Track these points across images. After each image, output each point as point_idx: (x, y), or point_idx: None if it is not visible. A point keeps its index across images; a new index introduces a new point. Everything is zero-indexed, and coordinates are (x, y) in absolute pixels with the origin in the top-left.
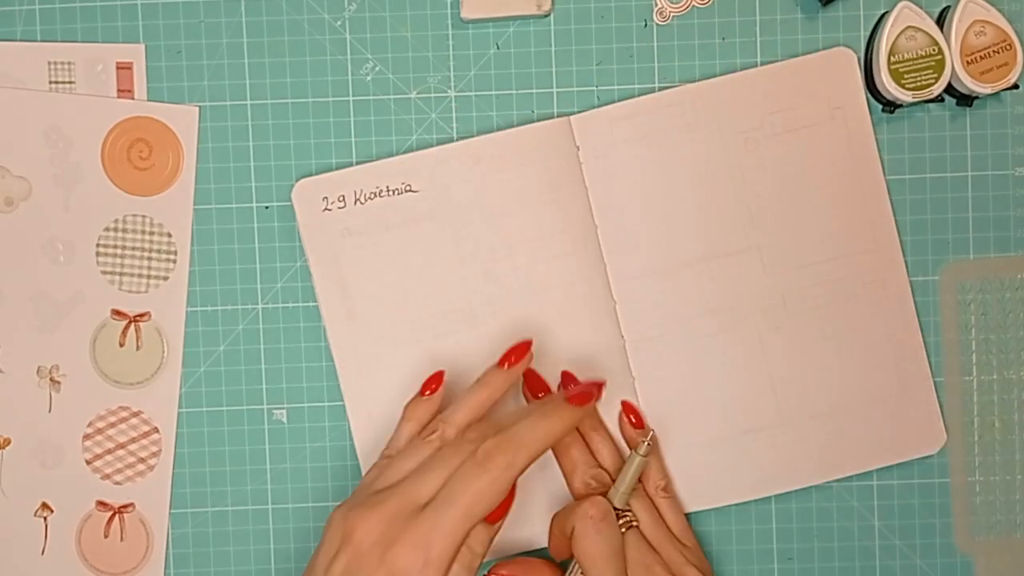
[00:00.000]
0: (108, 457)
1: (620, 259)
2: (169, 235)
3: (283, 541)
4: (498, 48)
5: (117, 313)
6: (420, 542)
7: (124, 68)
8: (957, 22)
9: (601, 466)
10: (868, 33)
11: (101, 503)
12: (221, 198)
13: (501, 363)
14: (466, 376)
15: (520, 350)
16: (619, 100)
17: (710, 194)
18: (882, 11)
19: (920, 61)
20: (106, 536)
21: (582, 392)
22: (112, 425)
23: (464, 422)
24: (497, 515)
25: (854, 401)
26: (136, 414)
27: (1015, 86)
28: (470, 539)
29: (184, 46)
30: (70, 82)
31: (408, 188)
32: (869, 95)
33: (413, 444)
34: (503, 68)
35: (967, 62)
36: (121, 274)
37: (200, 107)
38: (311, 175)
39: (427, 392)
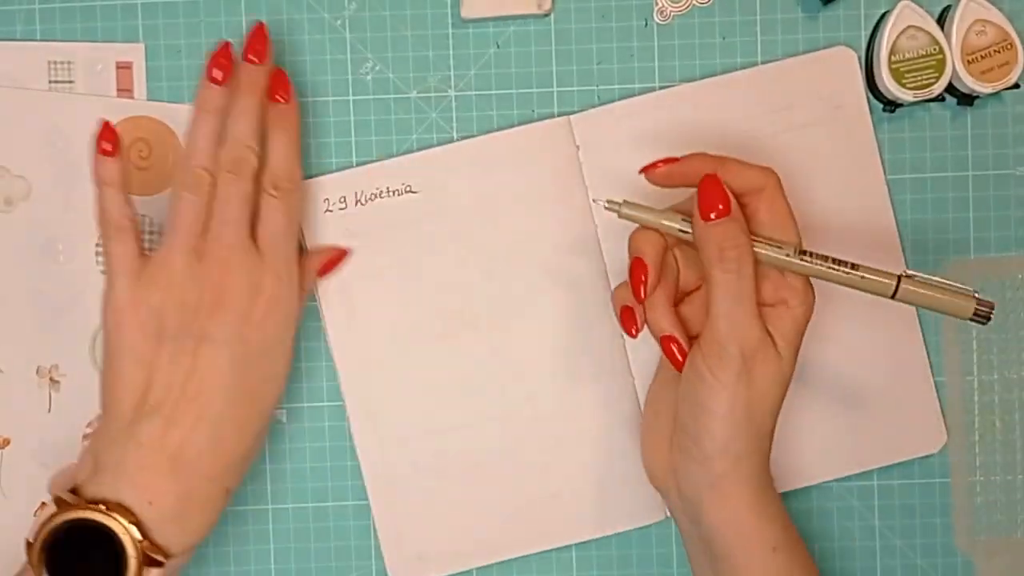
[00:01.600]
0: None
1: (621, 258)
2: None
3: (283, 542)
4: (498, 47)
5: None
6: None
7: (124, 67)
8: (958, 21)
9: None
10: (869, 32)
11: None
12: None
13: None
14: (465, 378)
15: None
16: (620, 99)
17: None
18: (883, 10)
19: (921, 60)
20: None
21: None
22: None
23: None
24: (326, 269)
25: (854, 401)
26: None
27: (1016, 85)
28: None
29: (184, 45)
30: (69, 81)
31: (408, 189)
32: (870, 94)
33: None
34: (503, 67)
35: (968, 61)
36: None
37: None
38: (311, 175)
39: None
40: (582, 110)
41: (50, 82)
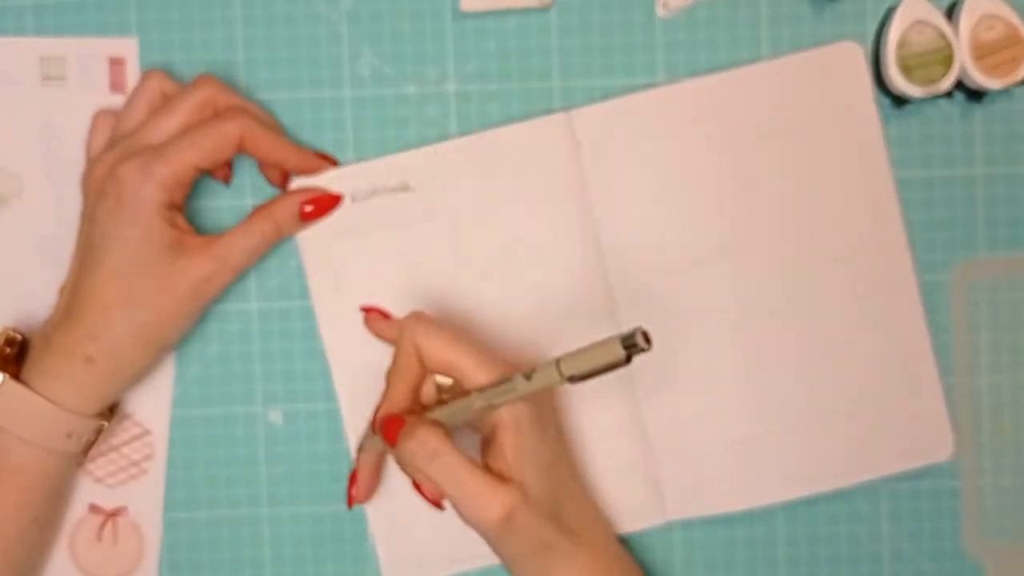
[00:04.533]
0: (100, 459)
1: (621, 258)
2: None
3: (278, 545)
4: (498, 41)
5: None
6: (145, 165)
7: (117, 63)
8: (965, 16)
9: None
10: (876, 27)
11: (94, 507)
12: (214, 195)
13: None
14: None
15: None
16: (622, 95)
17: (714, 192)
18: (890, 4)
19: (929, 55)
20: (99, 540)
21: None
22: None
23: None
24: (313, 215)
25: (861, 407)
26: (128, 415)
27: None
28: (281, 219)
29: (178, 40)
30: (62, 77)
31: (405, 187)
32: (877, 90)
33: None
34: (503, 62)
35: (976, 57)
36: None
37: None
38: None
39: None
40: (583, 106)
41: (42, 78)
